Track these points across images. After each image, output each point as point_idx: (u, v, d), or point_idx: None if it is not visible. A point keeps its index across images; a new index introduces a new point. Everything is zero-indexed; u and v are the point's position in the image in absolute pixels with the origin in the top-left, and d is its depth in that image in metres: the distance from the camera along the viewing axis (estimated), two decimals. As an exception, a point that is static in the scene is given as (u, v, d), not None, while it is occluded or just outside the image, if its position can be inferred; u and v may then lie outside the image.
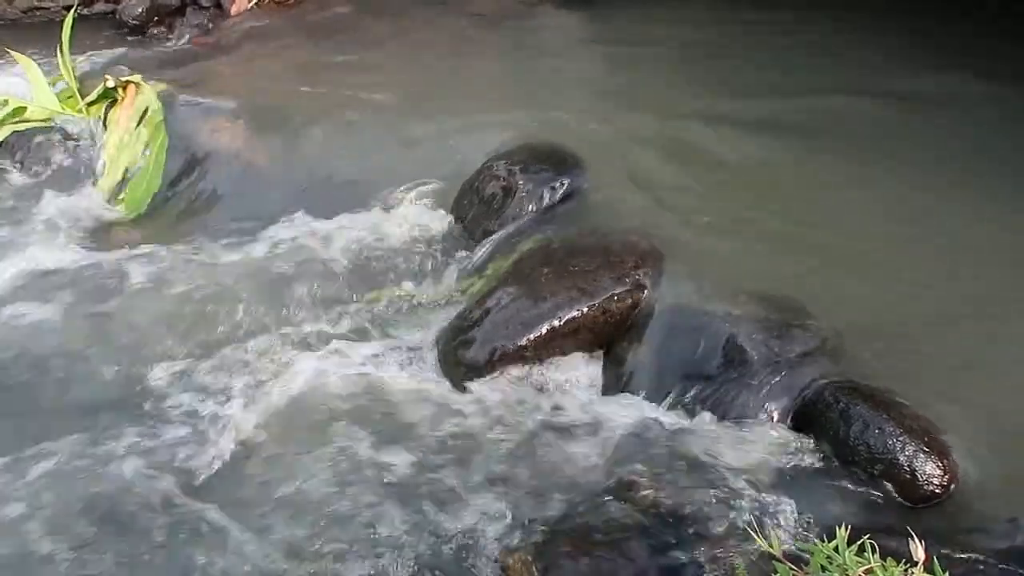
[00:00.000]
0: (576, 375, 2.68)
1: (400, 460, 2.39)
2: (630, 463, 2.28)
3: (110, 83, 4.34)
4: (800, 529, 2.04)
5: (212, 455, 2.47)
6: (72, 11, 5.14)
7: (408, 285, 3.10)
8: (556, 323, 2.65)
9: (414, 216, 3.38)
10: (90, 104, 4.45)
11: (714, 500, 2.13)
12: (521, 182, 3.22)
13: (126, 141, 4.15)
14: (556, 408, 2.58)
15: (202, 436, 2.54)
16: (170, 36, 5.97)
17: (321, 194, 3.59)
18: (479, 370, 2.64)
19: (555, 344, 2.66)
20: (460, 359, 2.68)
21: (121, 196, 3.99)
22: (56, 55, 4.63)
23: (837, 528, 1.54)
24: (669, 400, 2.49)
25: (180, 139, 4.06)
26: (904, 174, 3.31)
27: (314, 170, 3.74)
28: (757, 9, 5.26)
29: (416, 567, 2.09)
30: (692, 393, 2.48)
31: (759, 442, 2.29)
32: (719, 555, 1.95)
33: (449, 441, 2.45)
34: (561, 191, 3.22)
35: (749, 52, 4.67)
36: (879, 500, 2.13)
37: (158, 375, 2.79)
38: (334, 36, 5.27)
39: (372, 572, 2.08)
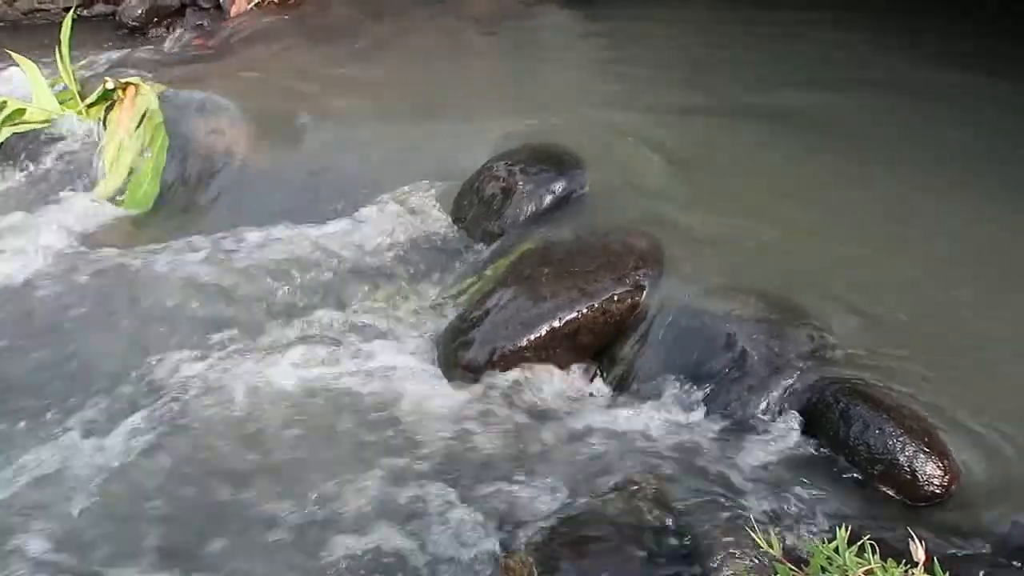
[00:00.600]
0: (576, 376, 2.69)
1: (400, 460, 2.39)
2: (630, 463, 2.28)
3: (110, 84, 4.34)
4: (800, 530, 2.04)
5: (211, 455, 2.46)
6: (71, 12, 5.15)
7: (408, 286, 3.10)
8: (556, 324, 2.65)
9: (414, 216, 3.39)
10: (90, 106, 4.45)
11: (714, 500, 2.12)
12: (521, 182, 3.22)
13: (126, 143, 4.15)
14: (556, 409, 2.58)
15: (199, 435, 2.53)
16: (170, 37, 5.98)
17: (320, 194, 3.59)
18: (479, 371, 2.64)
19: (555, 345, 2.66)
20: (460, 360, 2.68)
21: (121, 197, 4.00)
22: (56, 57, 4.63)
23: (837, 529, 1.54)
24: (669, 400, 2.49)
25: (180, 140, 4.06)
26: (904, 174, 3.31)
27: (314, 171, 3.74)
28: (757, 9, 5.27)
29: (416, 568, 2.09)
30: (692, 393, 2.48)
31: (759, 442, 2.29)
32: (719, 556, 1.95)
33: (449, 442, 2.45)
34: (561, 191, 3.22)
35: (749, 52, 4.68)
36: (879, 500, 2.12)
37: (157, 374, 2.79)
38: (334, 37, 5.27)
39: (371, 572, 2.08)
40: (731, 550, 1.96)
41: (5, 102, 4.43)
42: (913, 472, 2.11)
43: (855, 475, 2.18)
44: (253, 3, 5.89)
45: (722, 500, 2.13)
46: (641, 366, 2.61)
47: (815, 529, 2.03)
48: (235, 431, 2.55)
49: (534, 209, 3.18)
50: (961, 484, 2.13)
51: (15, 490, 2.38)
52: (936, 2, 4.94)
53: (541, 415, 2.56)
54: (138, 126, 4.16)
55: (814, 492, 2.15)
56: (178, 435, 2.55)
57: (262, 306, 3.04)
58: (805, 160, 3.47)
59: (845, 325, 2.52)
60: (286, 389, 2.68)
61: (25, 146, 4.31)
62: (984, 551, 1.96)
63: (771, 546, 1.55)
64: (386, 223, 3.36)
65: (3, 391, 2.81)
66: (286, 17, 5.68)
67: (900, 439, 2.14)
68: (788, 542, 1.94)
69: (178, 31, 5.98)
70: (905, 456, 2.12)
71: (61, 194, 4.05)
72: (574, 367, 2.70)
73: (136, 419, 2.61)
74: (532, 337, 2.64)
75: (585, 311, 2.66)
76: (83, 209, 3.94)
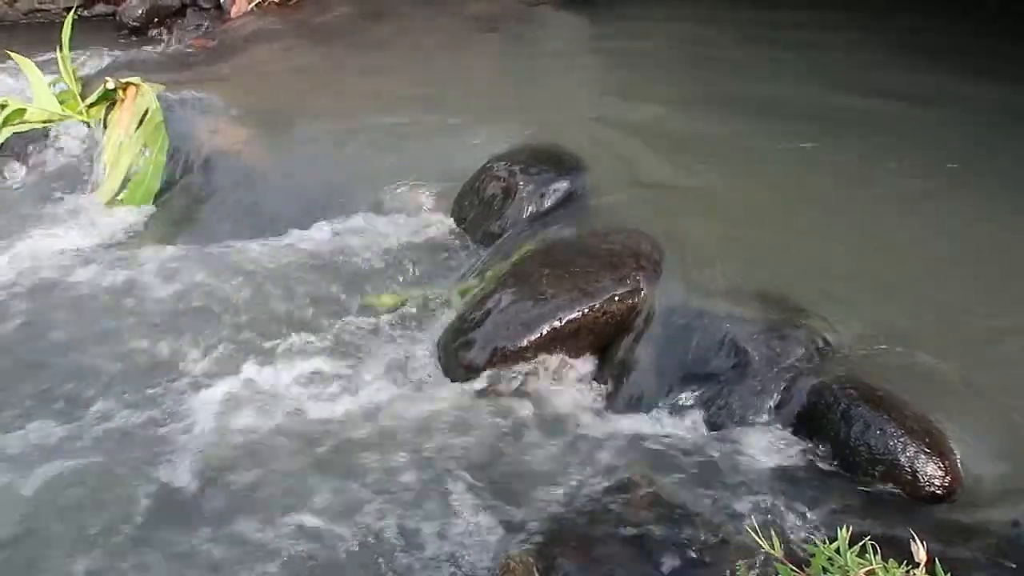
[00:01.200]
0: (576, 376, 2.68)
1: (400, 461, 2.38)
2: (630, 464, 2.28)
3: (110, 84, 4.34)
4: (801, 530, 2.04)
5: (210, 454, 2.46)
6: (72, 12, 5.15)
7: (408, 286, 3.09)
8: (557, 324, 2.65)
9: (414, 217, 3.39)
10: (90, 106, 4.46)
11: (715, 501, 2.13)
12: (521, 183, 3.22)
13: (126, 142, 4.14)
14: (556, 409, 2.58)
15: (198, 436, 2.53)
16: (170, 38, 5.98)
17: (320, 195, 3.59)
18: (480, 371, 2.64)
19: (556, 345, 2.66)
20: (461, 360, 2.68)
21: (121, 197, 3.99)
22: (57, 57, 4.63)
23: (839, 529, 1.54)
24: (669, 400, 2.49)
25: (180, 140, 4.06)
26: (904, 173, 3.32)
27: (314, 171, 3.74)
28: (757, 9, 5.27)
29: (416, 568, 2.09)
30: (693, 393, 2.47)
31: (760, 443, 2.29)
32: (720, 556, 1.95)
33: (449, 442, 2.45)
34: (561, 192, 3.22)
35: (749, 52, 4.68)
36: (881, 501, 2.12)
37: (154, 373, 2.79)
38: (334, 38, 5.28)
39: (371, 572, 2.08)
40: (732, 551, 1.96)
41: (5, 102, 4.43)
42: (914, 472, 2.11)
43: (856, 476, 2.18)
44: (253, 3, 5.90)
45: (722, 500, 2.13)
46: (642, 366, 2.60)
47: (816, 530, 2.03)
48: (236, 431, 2.55)
49: (535, 209, 3.18)
50: (962, 484, 2.13)
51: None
52: (936, 2, 4.94)
53: (541, 415, 2.55)
54: (138, 126, 4.16)
55: (815, 493, 2.14)
56: (175, 434, 2.55)
57: (261, 306, 3.03)
58: (805, 159, 3.47)
59: (845, 325, 2.52)
60: (285, 389, 2.68)
61: (25, 146, 4.31)
62: (986, 551, 1.96)
63: (772, 547, 1.54)
64: (386, 223, 3.36)
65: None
66: (286, 18, 5.68)
67: (901, 440, 2.14)
68: (789, 543, 1.94)
69: (178, 31, 5.98)
70: (906, 456, 2.12)
71: (61, 193, 4.06)
72: (575, 367, 2.70)
73: (132, 416, 2.61)
74: (533, 337, 2.63)
75: (585, 311, 2.66)
76: (82, 209, 3.94)
